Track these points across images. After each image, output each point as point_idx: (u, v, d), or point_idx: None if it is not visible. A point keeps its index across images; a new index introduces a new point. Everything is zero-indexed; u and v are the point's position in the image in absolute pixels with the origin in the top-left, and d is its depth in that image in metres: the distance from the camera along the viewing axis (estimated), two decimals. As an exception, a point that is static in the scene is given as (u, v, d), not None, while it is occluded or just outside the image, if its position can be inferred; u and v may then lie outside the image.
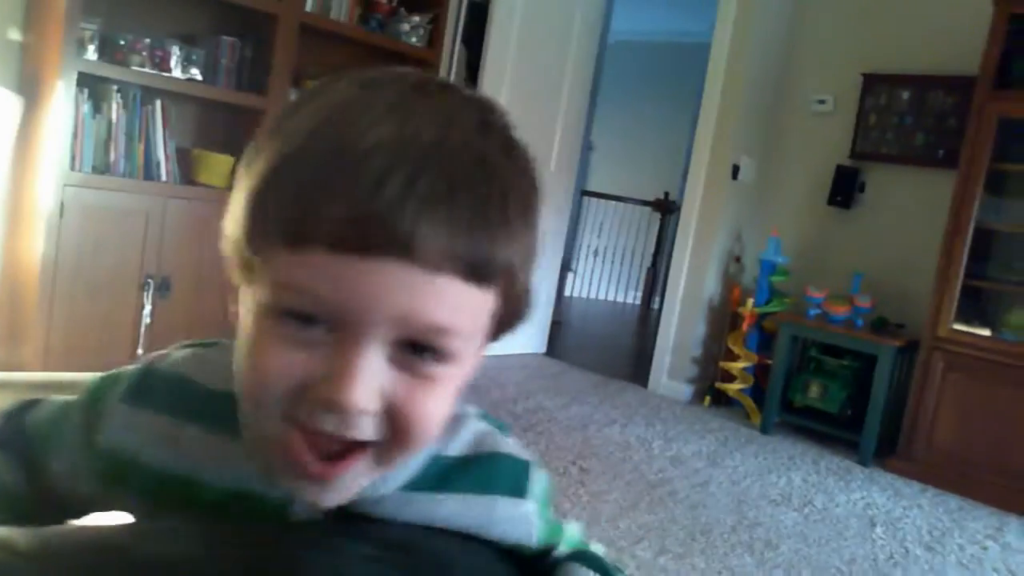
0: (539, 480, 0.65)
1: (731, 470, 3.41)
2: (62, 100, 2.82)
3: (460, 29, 4.39)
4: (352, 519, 0.56)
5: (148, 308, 3.08)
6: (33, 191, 2.91)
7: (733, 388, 4.29)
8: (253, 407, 0.50)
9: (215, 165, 3.28)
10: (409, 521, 0.58)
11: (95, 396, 0.60)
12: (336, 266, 0.45)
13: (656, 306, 8.31)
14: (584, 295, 8.51)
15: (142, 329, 3.08)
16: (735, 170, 4.46)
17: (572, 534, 0.70)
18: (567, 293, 7.56)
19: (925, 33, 4.12)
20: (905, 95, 4.16)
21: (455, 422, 0.63)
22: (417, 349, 0.49)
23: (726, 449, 3.68)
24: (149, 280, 3.08)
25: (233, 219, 0.51)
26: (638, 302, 8.55)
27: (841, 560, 2.67)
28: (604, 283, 8.53)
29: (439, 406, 0.52)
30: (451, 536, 0.58)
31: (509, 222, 0.49)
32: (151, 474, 0.56)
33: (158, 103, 3.11)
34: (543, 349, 5.19)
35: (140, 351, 3.08)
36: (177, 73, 3.12)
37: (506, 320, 0.56)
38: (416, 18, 3.85)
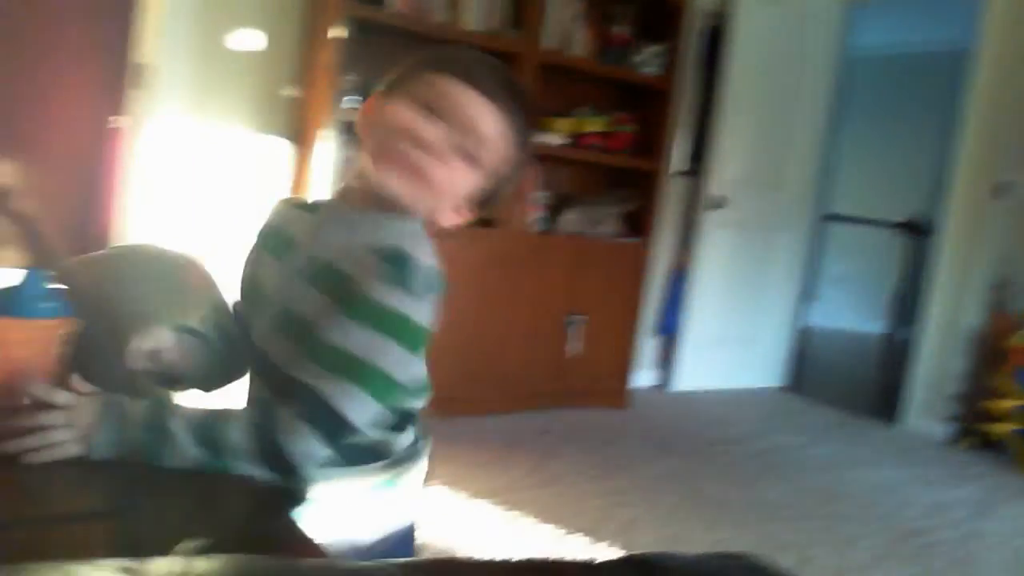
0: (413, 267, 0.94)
1: (1002, 522, 3.07)
2: (327, 146, 3.09)
3: (696, 56, 4.33)
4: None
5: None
6: (302, 231, 3.19)
7: (1000, 429, 3.87)
8: (378, 136, 0.98)
9: (459, 202, 3.44)
10: (340, 258, 0.96)
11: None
12: (464, 88, 0.96)
13: (905, 336, 7.70)
14: (825, 325, 8.06)
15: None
16: (1002, 188, 4.06)
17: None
18: (809, 323, 7.19)
19: None
20: None
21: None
22: (461, 148, 0.96)
23: (995, 498, 3.33)
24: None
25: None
26: (884, 332, 7.97)
27: None
28: (847, 311, 8.04)
29: (453, 182, 0.98)
30: None
31: (527, 122, 1.02)
32: (271, 229, 1.10)
33: (409, 146, 3.32)
34: (782, 383, 4.96)
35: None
36: (425, 116, 3.31)
37: (491, 182, 1.02)
38: (653, 47, 3.85)
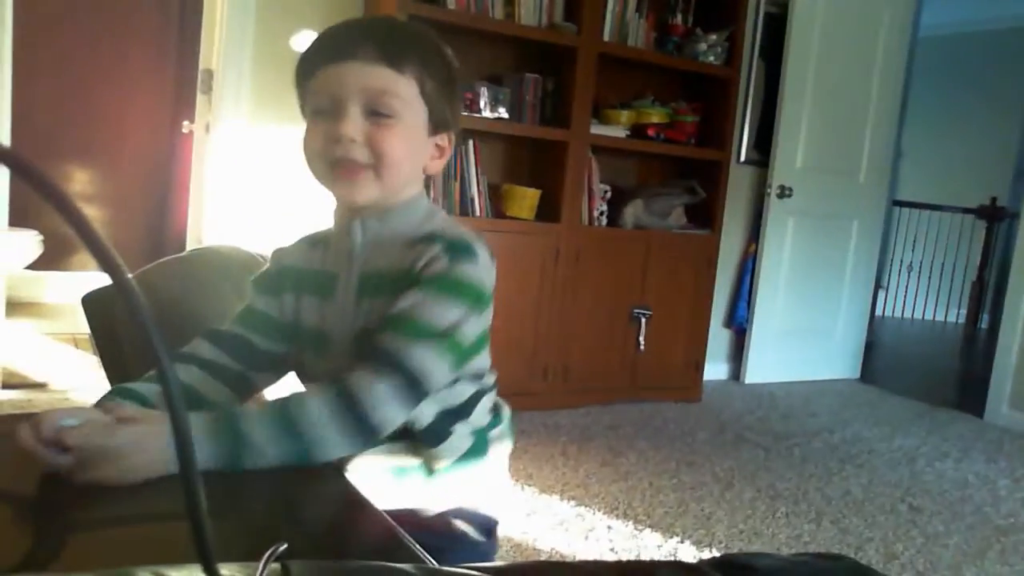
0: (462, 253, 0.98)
1: (1100, 517, 2.93)
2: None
3: (758, 43, 4.25)
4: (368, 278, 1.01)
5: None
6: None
7: (1094, 420, 3.70)
8: (316, 163, 0.99)
9: (522, 198, 3.43)
10: (391, 263, 1.00)
11: (254, 277, 1.10)
12: (327, 72, 0.97)
13: (985, 325, 7.45)
14: (898, 314, 7.84)
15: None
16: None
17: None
18: (879, 312, 7.01)
19: None
20: None
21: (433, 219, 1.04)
22: (376, 113, 0.96)
23: (1091, 492, 3.18)
24: (466, 309, 3.28)
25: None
26: (961, 320, 7.72)
27: None
28: (920, 300, 7.80)
29: (396, 144, 0.97)
30: None
31: (411, 46, 0.99)
32: (292, 270, 1.08)
33: (470, 143, 3.33)
34: (856, 374, 4.83)
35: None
36: (486, 113, 3.31)
37: (434, 108, 1.01)
38: (713, 36, 3.78)
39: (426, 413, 1.01)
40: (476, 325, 0.98)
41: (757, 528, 2.54)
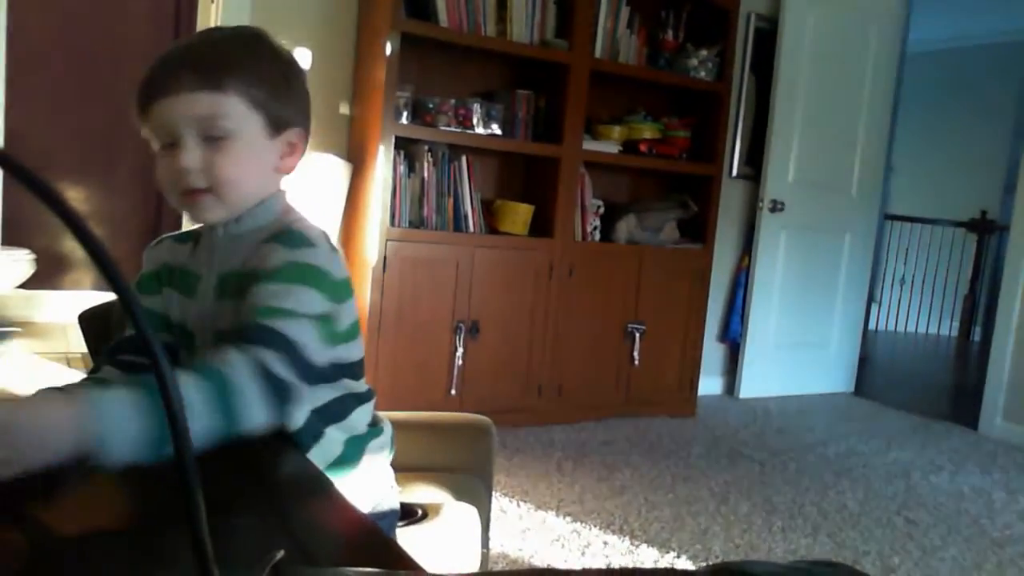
0: (309, 252, 0.97)
1: (1096, 528, 2.93)
2: (382, 163, 3.11)
3: (748, 59, 4.28)
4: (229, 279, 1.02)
5: (460, 350, 3.28)
6: (361, 245, 3.22)
7: (1088, 431, 3.71)
8: (169, 194, 1.01)
9: (516, 214, 3.43)
10: (248, 256, 1.00)
11: (135, 283, 1.10)
12: (158, 108, 0.97)
13: (977, 337, 7.47)
14: (891, 328, 7.86)
15: (455, 370, 3.28)
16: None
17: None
18: (872, 326, 7.03)
19: None
20: None
21: (291, 218, 1.05)
22: (210, 137, 0.97)
23: (1086, 503, 3.18)
24: (460, 324, 3.28)
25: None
26: (954, 333, 7.74)
27: None
28: (913, 314, 7.82)
29: (230, 166, 0.98)
30: None
31: (230, 62, 0.98)
32: (165, 267, 1.10)
33: (463, 159, 3.33)
34: (851, 388, 4.83)
35: (453, 391, 3.27)
36: (479, 130, 3.32)
37: (269, 113, 1.00)
38: (704, 52, 3.81)
39: (298, 414, 0.99)
40: (328, 308, 0.96)
41: (753, 542, 2.54)
